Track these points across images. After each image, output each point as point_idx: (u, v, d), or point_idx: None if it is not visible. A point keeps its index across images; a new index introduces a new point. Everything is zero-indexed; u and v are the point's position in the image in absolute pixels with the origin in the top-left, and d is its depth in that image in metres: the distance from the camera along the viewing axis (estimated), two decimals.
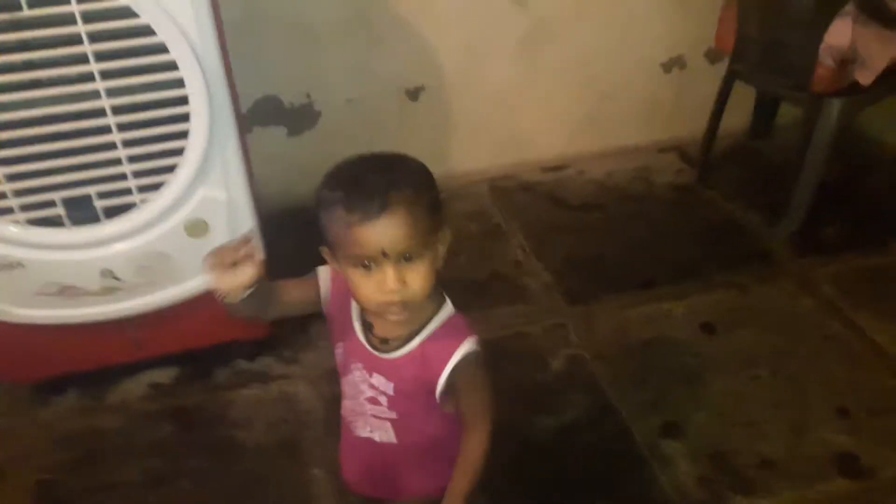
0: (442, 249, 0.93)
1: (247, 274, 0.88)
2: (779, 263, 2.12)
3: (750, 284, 2.04)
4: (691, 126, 2.52)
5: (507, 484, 1.49)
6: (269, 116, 2.16)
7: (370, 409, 1.04)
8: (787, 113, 2.57)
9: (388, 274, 0.86)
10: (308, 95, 2.17)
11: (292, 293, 1.02)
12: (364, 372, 1.02)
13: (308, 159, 2.22)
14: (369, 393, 1.03)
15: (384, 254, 0.85)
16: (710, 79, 2.39)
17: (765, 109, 2.63)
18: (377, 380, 1.00)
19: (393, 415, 1.03)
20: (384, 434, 1.06)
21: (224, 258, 0.88)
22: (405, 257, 0.87)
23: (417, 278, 0.88)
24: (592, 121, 2.53)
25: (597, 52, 2.37)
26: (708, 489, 1.51)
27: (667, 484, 1.51)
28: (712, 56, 2.49)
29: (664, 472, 1.54)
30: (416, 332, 0.97)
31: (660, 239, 2.23)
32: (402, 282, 0.87)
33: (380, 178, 0.85)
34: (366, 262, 0.87)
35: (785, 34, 2.03)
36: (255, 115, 2.14)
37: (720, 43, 2.27)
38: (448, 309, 0.99)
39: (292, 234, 2.03)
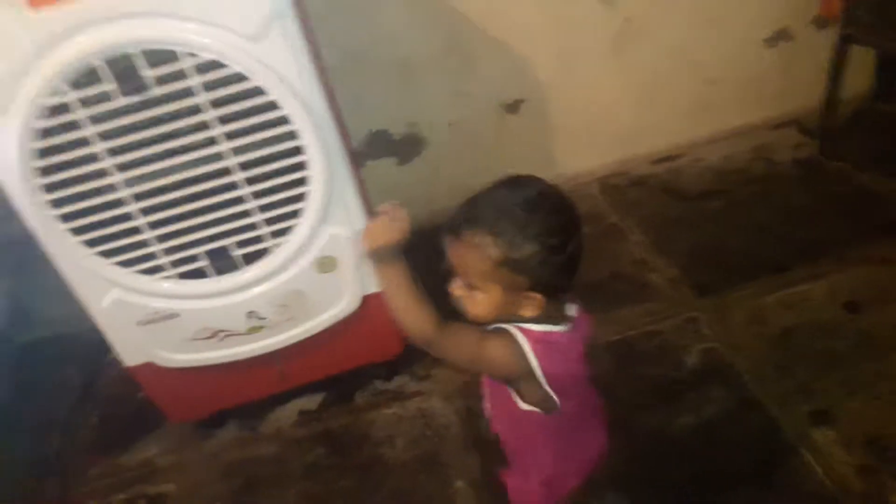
0: (527, 305, 0.92)
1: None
2: None
3: (893, 256, 1.91)
4: (805, 98, 2.41)
5: (648, 484, 1.48)
6: (379, 149, 2.26)
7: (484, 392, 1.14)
8: None
9: (454, 283, 0.95)
10: (412, 124, 2.25)
11: None
12: None
13: (419, 185, 2.33)
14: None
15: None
16: (820, 46, 2.27)
17: (887, 69, 2.44)
18: None
19: (487, 391, 1.13)
20: (487, 408, 1.16)
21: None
22: (467, 283, 0.93)
23: (473, 304, 0.94)
24: (700, 106, 2.45)
25: (694, 37, 2.31)
26: (870, 478, 1.43)
27: (823, 475, 1.45)
28: (820, 23, 2.35)
29: (819, 462, 1.47)
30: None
31: (788, 219, 2.13)
32: (462, 293, 0.94)
33: (478, 210, 0.90)
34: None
35: None
36: (366, 150, 2.25)
37: (826, 10, 2.15)
38: (530, 326, 0.96)
39: (412, 256, 2.13)
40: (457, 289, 0.95)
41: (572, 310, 1.00)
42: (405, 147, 2.28)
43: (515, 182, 0.93)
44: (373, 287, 1.66)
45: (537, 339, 0.94)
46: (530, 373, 0.94)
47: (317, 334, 1.66)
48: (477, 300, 0.93)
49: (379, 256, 0.98)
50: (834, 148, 2.33)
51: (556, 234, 0.89)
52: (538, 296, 0.91)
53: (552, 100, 2.31)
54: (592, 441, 1.14)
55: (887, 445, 1.47)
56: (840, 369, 1.65)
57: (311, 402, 1.88)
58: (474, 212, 0.90)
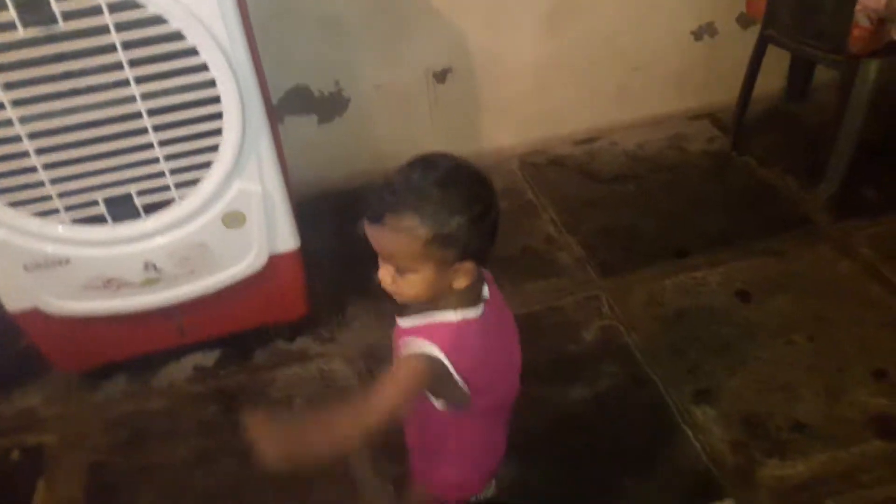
0: (460, 276, 0.93)
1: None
2: (817, 227, 2.10)
3: (787, 250, 2.02)
4: (724, 93, 2.49)
5: (542, 453, 1.53)
6: (299, 106, 2.21)
7: None
8: (824, 74, 2.50)
9: (381, 269, 0.95)
10: (337, 83, 2.21)
11: None
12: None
13: (339, 146, 2.30)
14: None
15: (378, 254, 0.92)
16: (742, 44, 2.35)
17: (800, 72, 2.57)
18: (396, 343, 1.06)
19: None
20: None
21: None
22: (396, 267, 0.92)
23: (405, 287, 0.93)
24: (623, 92, 2.51)
25: (625, 24, 2.35)
26: (742, 453, 1.52)
27: (700, 449, 1.53)
28: (744, 21, 2.44)
29: (698, 438, 1.56)
30: (418, 313, 0.99)
31: (694, 208, 2.22)
32: (392, 279, 0.93)
33: (398, 194, 0.89)
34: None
35: None
36: (286, 105, 2.20)
37: (751, 9, 2.23)
38: (448, 316, 0.97)
39: (327, 218, 2.11)
40: (385, 275, 0.94)
41: (486, 291, 1.01)
42: (327, 106, 2.24)
43: (427, 161, 0.92)
44: (280, 247, 1.64)
45: (449, 340, 0.94)
46: (448, 374, 0.95)
47: (219, 291, 1.63)
48: (410, 282, 0.92)
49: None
50: (743, 143, 2.43)
51: (477, 202, 0.90)
52: (469, 264, 0.92)
53: (480, 72, 2.31)
54: (499, 442, 1.16)
55: (758, 423, 1.57)
56: (725, 353, 1.74)
57: (207, 358, 1.85)
58: (394, 197, 0.89)
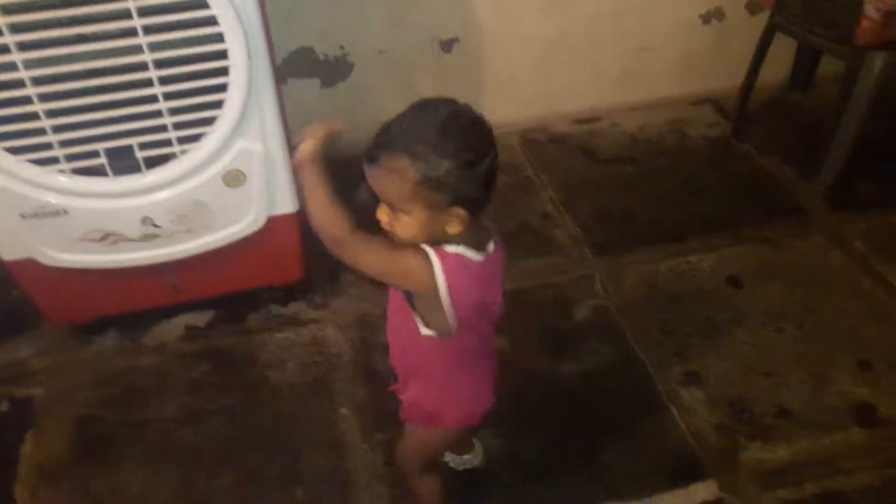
0: (452, 222, 0.94)
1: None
2: (811, 218, 2.11)
3: (781, 239, 2.03)
4: (728, 79, 2.48)
5: (530, 425, 1.56)
6: (303, 68, 2.19)
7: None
8: (829, 66, 2.51)
9: (380, 210, 0.97)
10: (342, 47, 2.19)
11: None
12: None
13: (341, 111, 2.28)
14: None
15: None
16: (749, 31, 2.34)
17: (805, 62, 2.57)
18: None
19: (390, 309, 1.13)
20: (388, 327, 1.16)
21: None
22: (390, 207, 0.94)
23: (399, 227, 0.95)
24: (627, 73, 2.50)
25: (632, 3, 2.34)
26: (726, 436, 1.54)
27: (686, 430, 1.55)
28: (752, 8, 2.43)
29: (684, 418, 1.58)
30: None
31: (691, 192, 2.22)
32: (388, 218, 0.96)
33: (393, 135, 0.91)
34: None
35: None
36: (289, 68, 2.17)
37: None
38: (450, 247, 0.96)
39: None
40: (383, 215, 0.96)
41: (491, 247, 1.01)
42: (330, 69, 2.22)
43: (428, 105, 0.94)
44: (279, 209, 1.63)
45: (450, 262, 0.95)
46: (436, 294, 0.96)
47: (215, 250, 1.62)
48: (403, 222, 0.94)
49: (310, 157, 0.97)
50: (744, 130, 2.43)
51: (469, 150, 0.91)
52: (461, 211, 0.93)
53: (487, 45, 2.30)
54: (483, 387, 1.17)
55: (744, 408, 1.60)
56: (715, 337, 1.76)
57: (200, 318, 1.84)
58: (389, 136, 0.91)
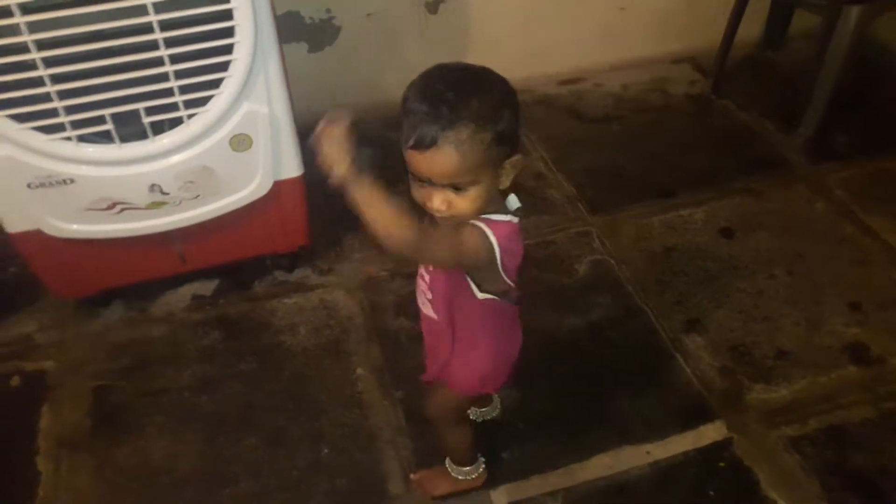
0: (508, 173, 0.94)
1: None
2: (793, 169, 2.19)
3: (766, 190, 2.10)
4: (705, 37, 2.53)
5: (541, 378, 1.59)
6: (290, 33, 2.16)
7: (422, 284, 1.12)
8: (800, 24, 2.58)
9: (435, 196, 0.92)
10: (328, 10, 2.16)
11: None
12: None
13: (329, 75, 2.26)
14: (422, 269, 1.11)
15: (431, 181, 0.91)
16: None
17: (778, 20, 2.63)
18: None
19: (431, 292, 1.10)
20: (428, 309, 1.13)
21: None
22: (454, 187, 0.91)
23: (464, 203, 0.92)
24: (608, 33, 2.53)
25: None
26: (729, 378, 1.61)
27: (692, 375, 1.62)
28: None
29: (688, 364, 1.64)
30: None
31: (677, 149, 2.28)
32: (448, 204, 0.92)
33: (442, 112, 0.86)
34: (420, 178, 0.92)
35: None
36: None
37: None
38: (501, 217, 0.97)
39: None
40: (441, 202, 0.91)
41: (517, 201, 1.02)
42: (318, 33, 2.19)
43: (442, 74, 0.91)
44: (285, 172, 1.63)
45: (501, 231, 0.95)
46: (494, 262, 0.97)
47: (221, 217, 1.60)
48: (471, 197, 0.91)
49: (348, 174, 0.88)
50: (723, 87, 2.49)
51: (508, 90, 0.91)
52: (517, 156, 0.93)
53: (473, 5, 2.29)
54: (518, 335, 1.20)
55: (744, 351, 1.67)
56: (711, 286, 1.83)
57: (206, 287, 1.83)
58: (440, 111, 0.86)
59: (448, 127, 0.86)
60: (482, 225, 0.94)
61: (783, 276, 1.85)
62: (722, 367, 1.64)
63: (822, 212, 2.04)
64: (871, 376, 1.61)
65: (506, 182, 0.95)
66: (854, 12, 2.07)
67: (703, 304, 1.78)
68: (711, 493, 1.42)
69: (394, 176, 0.95)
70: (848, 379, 1.60)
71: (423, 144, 0.87)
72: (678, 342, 1.69)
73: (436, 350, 1.20)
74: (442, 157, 0.87)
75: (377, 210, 0.86)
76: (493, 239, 0.94)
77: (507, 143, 0.91)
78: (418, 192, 0.94)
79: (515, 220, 0.99)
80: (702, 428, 1.52)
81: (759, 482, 1.42)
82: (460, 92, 0.87)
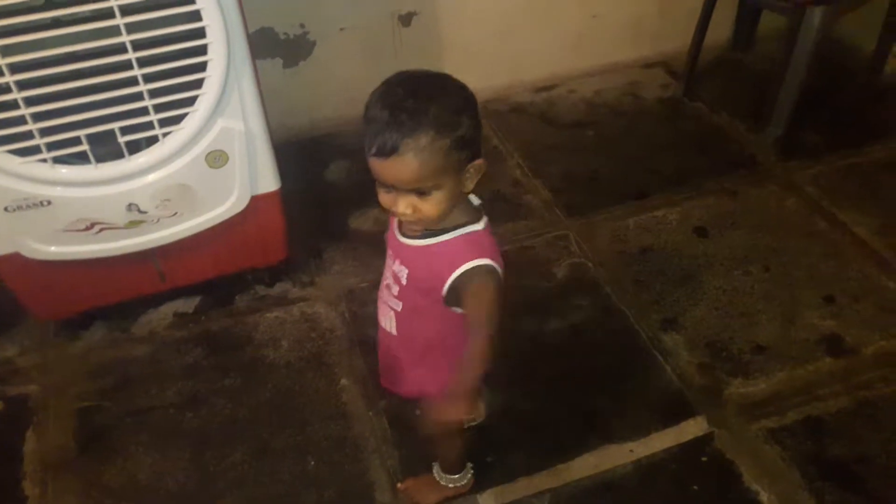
0: (472, 177, 0.96)
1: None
2: (764, 168, 2.23)
3: (738, 189, 2.14)
4: (677, 41, 2.58)
5: (524, 380, 1.61)
6: (264, 49, 2.17)
7: (386, 295, 1.12)
8: (767, 25, 2.63)
9: (400, 202, 0.94)
10: (302, 26, 2.18)
11: None
12: (391, 258, 1.10)
13: (303, 90, 2.27)
14: (389, 279, 1.11)
15: (395, 187, 0.93)
16: None
17: (746, 21, 2.68)
18: (397, 266, 1.08)
19: (398, 305, 1.10)
20: (389, 323, 1.14)
21: None
22: (417, 192, 0.93)
23: (428, 207, 0.94)
24: (581, 39, 2.56)
25: None
26: (708, 374, 1.64)
27: (671, 372, 1.64)
28: None
29: (668, 362, 1.67)
30: (440, 233, 1.01)
31: (650, 151, 2.31)
32: (413, 208, 0.94)
33: (402, 119, 0.87)
34: (384, 184, 0.95)
35: None
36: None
37: None
38: (479, 225, 1.01)
39: (292, 166, 2.10)
40: (406, 207, 0.94)
41: (477, 199, 1.05)
42: (292, 49, 2.21)
43: (406, 78, 0.93)
44: (262, 187, 1.64)
45: (487, 249, 0.99)
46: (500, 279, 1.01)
47: (200, 233, 1.61)
48: (435, 201, 0.93)
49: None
50: (694, 90, 2.53)
51: (467, 96, 0.94)
52: (479, 161, 0.95)
53: (445, 16, 2.32)
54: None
55: (722, 347, 1.69)
56: (688, 284, 1.86)
57: (187, 305, 1.84)
58: (399, 121, 0.88)
59: (408, 134, 0.88)
60: (478, 262, 0.98)
61: (758, 272, 1.88)
62: (701, 364, 1.66)
63: (793, 208, 2.07)
64: (847, 367, 1.64)
65: (469, 185, 0.98)
66: (817, 13, 2.12)
67: (680, 302, 1.81)
68: (695, 487, 1.44)
69: (370, 185, 0.97)
70: (824, 370, 1.63)
71: (384, 152, 0.89)
72: (657, 341, 1.72)
73: (389, 362, 1.20)
74: (403, 163, 0.89)
75: (473, 371, 1.02)
76: (493, 264, 0.99)
77: (467, 147, 0.92)
78: (384, 198, 0.96)
79: (484, 220, 1.02)
80: (683, 424, 1.54)
81: (741, 475, 1.45)
82: (420, 99, 0.89)
